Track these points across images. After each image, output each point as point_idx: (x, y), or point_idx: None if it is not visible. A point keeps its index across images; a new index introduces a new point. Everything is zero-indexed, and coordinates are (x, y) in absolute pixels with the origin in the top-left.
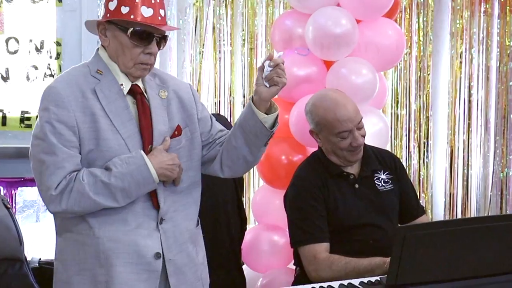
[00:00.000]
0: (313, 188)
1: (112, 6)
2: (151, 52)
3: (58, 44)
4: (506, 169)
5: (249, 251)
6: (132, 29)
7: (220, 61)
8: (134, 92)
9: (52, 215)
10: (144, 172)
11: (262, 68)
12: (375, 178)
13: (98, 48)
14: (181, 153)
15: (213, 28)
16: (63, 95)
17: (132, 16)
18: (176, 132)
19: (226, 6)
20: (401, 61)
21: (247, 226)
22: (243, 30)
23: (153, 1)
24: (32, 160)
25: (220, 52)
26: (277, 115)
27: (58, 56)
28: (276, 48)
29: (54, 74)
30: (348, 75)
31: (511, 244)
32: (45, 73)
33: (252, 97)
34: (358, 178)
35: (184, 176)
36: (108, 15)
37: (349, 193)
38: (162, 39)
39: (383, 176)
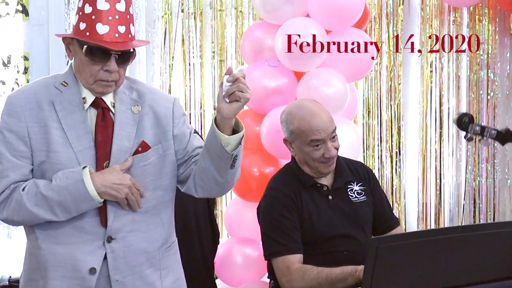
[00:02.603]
0: (286, 199)
1: (74, 21)
2: (109, 70)
3: (26, 58)
4: (478, 178)
5: (222, 264)
6: (86, 46)
7: (189, 73)
8: (97, 105)
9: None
10: (80, 188)
11: (222, 84)
12: (348, 190)
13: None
14: (148, 171)
15: (182, 40)
16: (16, 104)
17: (87, 34)
18: (140, 149)
19: (195, 18)
20: (371, 71)
21: (220, 239)
22: (212, 42)
23: (110, 18)
24: None
25: (189, 65)
26: (242, 136)
27: (25, 70)
28: (246, 60)
29: None
30: (319, 86)
31: (485, 254)
32: (12, 88)
33: (215, 117)
34: (332, 190)
35: (150, 196)
36: (72, 30)
37: (322, 204)
38: (125, 55)
39: (356, 188)
